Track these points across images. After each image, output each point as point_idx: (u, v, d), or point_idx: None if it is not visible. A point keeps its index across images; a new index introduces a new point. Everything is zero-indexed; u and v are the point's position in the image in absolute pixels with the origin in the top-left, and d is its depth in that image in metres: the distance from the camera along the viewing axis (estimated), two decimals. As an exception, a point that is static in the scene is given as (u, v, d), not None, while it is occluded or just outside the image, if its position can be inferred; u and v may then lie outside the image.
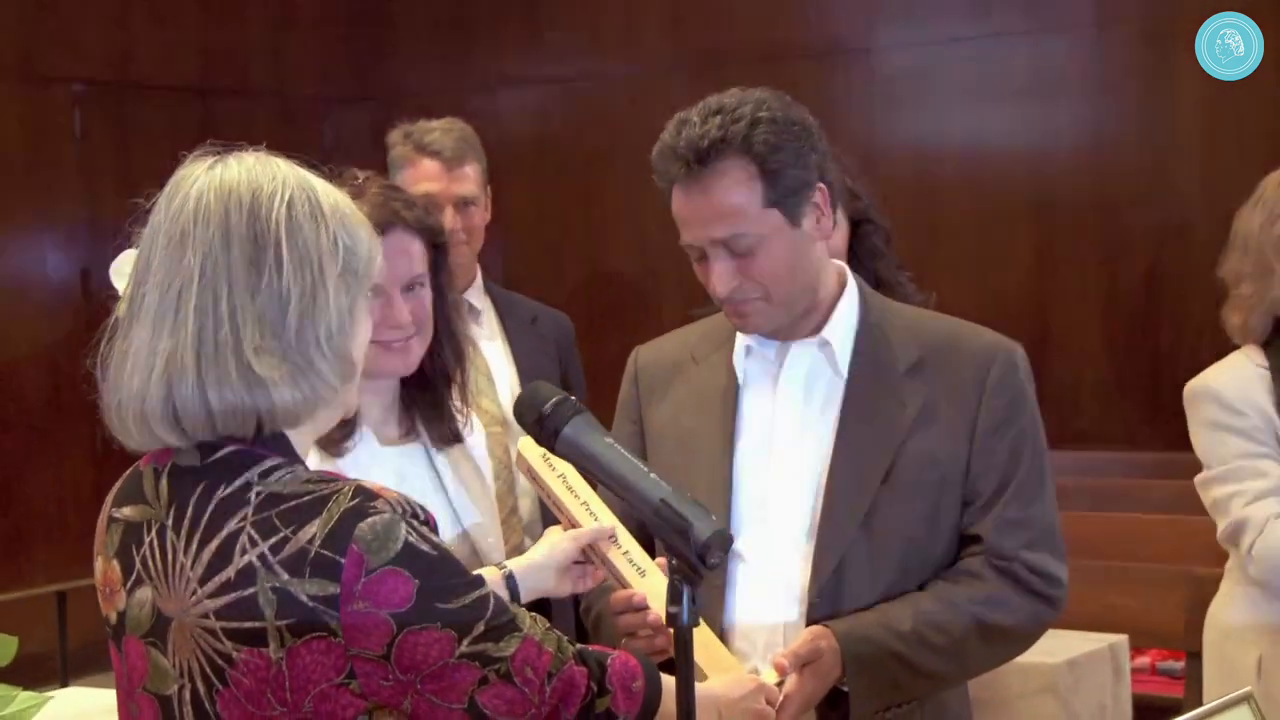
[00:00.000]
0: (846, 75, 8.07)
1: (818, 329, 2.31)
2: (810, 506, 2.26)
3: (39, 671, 6.51)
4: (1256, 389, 3.07)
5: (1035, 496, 2.30)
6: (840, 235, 3.22)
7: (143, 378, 1.66)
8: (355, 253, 1.73)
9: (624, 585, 2.14)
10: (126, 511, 1.74)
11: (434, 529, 1.69)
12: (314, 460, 2.14)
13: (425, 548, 1.65)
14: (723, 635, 2.25)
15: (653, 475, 1.66)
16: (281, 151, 1.79)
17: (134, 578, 1.71)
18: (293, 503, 1.63)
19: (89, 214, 7.67)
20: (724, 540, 1.60)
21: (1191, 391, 3.14)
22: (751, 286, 2.20)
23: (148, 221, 1.74)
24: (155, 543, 1.69)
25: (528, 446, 2.19)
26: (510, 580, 2.31)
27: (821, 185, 2.25)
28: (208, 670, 1.65)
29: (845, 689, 2.18)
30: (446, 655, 1.64)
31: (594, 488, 2.21)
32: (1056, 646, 3.75)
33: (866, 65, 8.05)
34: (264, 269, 1.66)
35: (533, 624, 1.73)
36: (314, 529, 1.61)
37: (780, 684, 2.12)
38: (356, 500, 1.63)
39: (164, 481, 1.70)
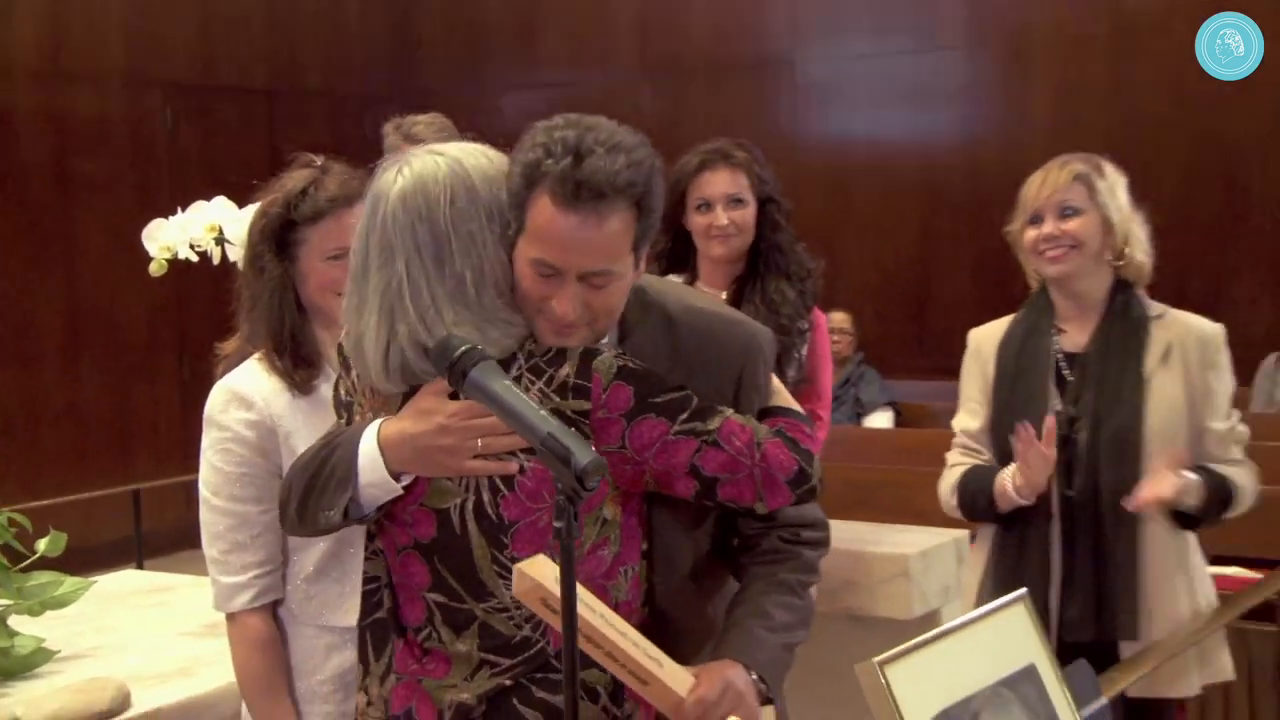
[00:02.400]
0: (775, 83, 8.74)
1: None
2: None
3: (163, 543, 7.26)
4: (988, 342, 3.13)
5: None
6: (749, 211, 3.57)
7: (396, 347, 2.01)
8: (505, 204, 2.01)
9: (640, 678, 1.99)
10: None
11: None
12: (285, 400, 2.44)
13: (636, 366, 2.02)
14: None
15: (543, 413, 1.80)
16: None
17: None
18: (544, 356, 2.01)
19: (179, 199, 8.22)
20: (600, 467, 1.72)
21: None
22: (587, 314, 2.07)
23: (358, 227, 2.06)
24: None
25: (535, 566, 1.91)
26: None
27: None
28: (497, 481, 2.00)
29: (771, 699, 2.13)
30: (664, 433, 1.99)
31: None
32: (913, 540, 4.10)
33: (791, 75, 8.70)
34: (444, 262, 1.98)
35: (734, 412, 2.05)
36: (567, 368, 1.99)
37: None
38: (584, 347, 2.02)
39: None
